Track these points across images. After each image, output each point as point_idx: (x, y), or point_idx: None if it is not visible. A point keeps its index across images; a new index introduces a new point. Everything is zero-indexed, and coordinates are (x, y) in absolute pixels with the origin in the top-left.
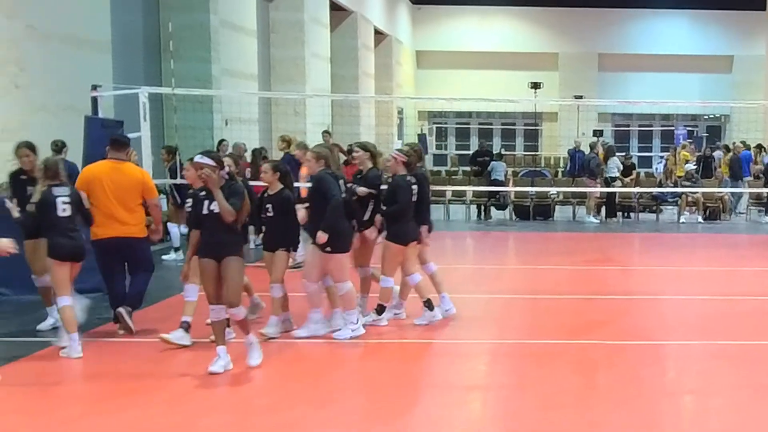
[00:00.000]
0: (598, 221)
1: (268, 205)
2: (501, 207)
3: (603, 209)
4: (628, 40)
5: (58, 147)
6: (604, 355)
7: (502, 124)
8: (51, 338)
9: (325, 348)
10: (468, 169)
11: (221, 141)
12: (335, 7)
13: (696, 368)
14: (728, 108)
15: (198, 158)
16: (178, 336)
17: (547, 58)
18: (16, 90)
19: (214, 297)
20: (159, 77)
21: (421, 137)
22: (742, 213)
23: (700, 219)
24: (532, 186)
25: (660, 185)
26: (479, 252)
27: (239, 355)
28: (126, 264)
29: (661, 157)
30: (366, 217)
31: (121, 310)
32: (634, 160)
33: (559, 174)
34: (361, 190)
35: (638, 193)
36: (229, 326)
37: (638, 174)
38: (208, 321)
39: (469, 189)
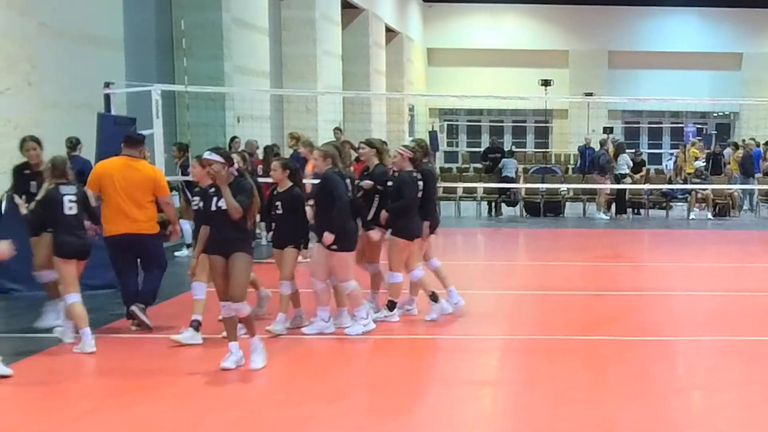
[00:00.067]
0: (608, 218)
1: (278, 203)
2: (511, 204)
3: (613, 206)
4: (638, 37)
5: (73, 144)
6: (614, 351)
7: (513, 121)
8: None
9: (335, 344)
10: (479, 166)
11: (233, 138)
12: (346, 5)
13: (705, 364)
14: (737, 105)
15: (207, 155)
16: (188, 336)
17: (557, 55)
18: (29, 87)
19: (224, 293)
20: (172, 75)
21: (432, 134)
22: (752, 209)
23: (709, 215)
24: (542, 183)
25: (670, 182)
26: (490, 248)
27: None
28: (139, 261)
29: (671, 154)
30: (371, 213)
31: (133, 308)
32: (644, 157)
33: (570, 171)
34: (366, 183)
35: (648, 189)
36: (240, 322)
37: (648, 171)
38: (220, 317)
39: (480, 186)
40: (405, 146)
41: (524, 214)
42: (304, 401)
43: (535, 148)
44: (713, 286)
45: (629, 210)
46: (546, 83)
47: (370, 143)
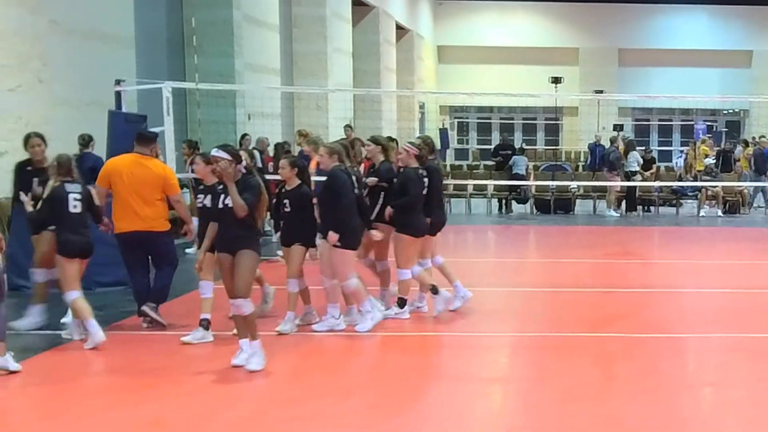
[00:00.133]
0: (619, 215)
1: (286, 201)
2: (522, 201)
3: (623, 203)
4: (647, 35)
5: (85, 141)
6: (624, 348)
7: (523, 119)
8: (65, 334)
9: (345, 341)
10: (489, 163)
11: (244, 135)
12: (357, 3)
13: (714, 361)
14: (747, 103)
15: (214, 152)
16: (199, 336)
17: (567, 53)
18: (40, 85)
19: (232, 291)
20: (182, 72)
21: (443, 132)
22: (761, 207)
23: (719, 213)
24: (552, 180)
25: (680, 179)
26: (500, 245)
27: (263, 347)
28: (150, 258)
29: (681, 152)
30: (376, 210)
31: (145, 308)
32: (654, 155)
33: (580, 168)
34: (371, 180)
35: (658, 187)
36: (242, 321)
37: (658, 168)
38: (231, 315)
39: (491, 183)
40: (411, 143)
41: (534, 211)
42: (313, 398)
43: (545, 145)
44: (723, 283)
45: (639, 207)
46: (556, 80)
47: (375, 140)
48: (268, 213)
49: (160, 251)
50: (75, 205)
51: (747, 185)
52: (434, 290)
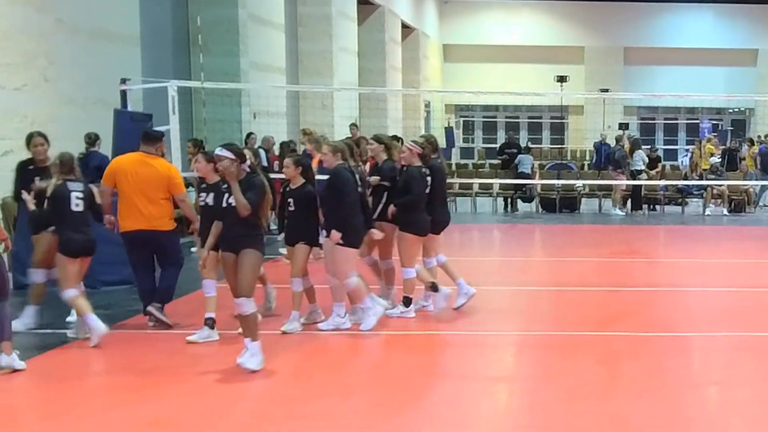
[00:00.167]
0: (624, 213)
1: (290, 200)
2: (527, 199)
3: (629, 202)
4: (653, 33)
5: (92, 139)
6: (629, 347)
7: (529, 118)
8: (71, 333)
9: (350, 340)
10: (495, 161)
11: (249, 134)
12: (362, 1)
13: (720, 360)
14: (753, 101)
15: (218, 151)
16: (205, 335)
17: (572, 51)
18: (46, 83)
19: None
20: (188, 71)
21: (448, 130)
22: (767, 206)
23: (725, 211)
24: (558, 179)
25: (685, 178)
26: (506, 244)
27: (268, 346)
28: (155, 257)
29: (687, 150)
30: (379, 209)
31: (150, 308)
32: (660, 153)
33: (585, 167)
34: (373, 179)
35: (664, 185)
36: (242, 321)
37: (664, 167)
38: (235, 314)
39: (496, 182)
40: (414, 142)
41: (540, 210)
42: (317, 397)
43: (550, 144)
44: (728, 282)
45: (645, 206)
46: (562, 79)
47: (378, 139)
48: (272, 212)
49: (164, 250)
50: (77, 204)
51: (752, 184)
52: (434, 287)
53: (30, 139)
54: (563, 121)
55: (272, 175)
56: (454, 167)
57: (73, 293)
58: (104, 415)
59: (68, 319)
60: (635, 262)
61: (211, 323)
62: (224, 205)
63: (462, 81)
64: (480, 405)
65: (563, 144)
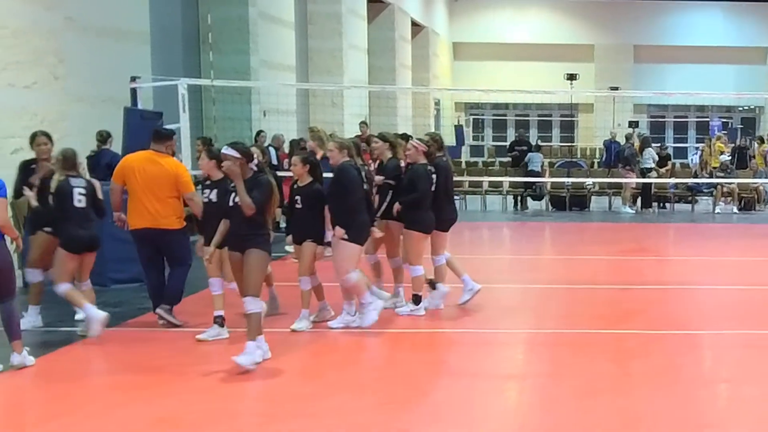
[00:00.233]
0: (634, 212)
1: (297, 198)
2: (537, 198)
3: (639, 200)
4: (663, 31)
5: (104, 137)
6: (640, 344)
7: (539, 116)
8: (80, 331)
9: (358, 338)
10: (505, 160)
11: (259, 132)
12: None
13: (731, 357)
14: (763, 99)
15: (224, 150)
16: (214, 333)
17: (582, 49)
18: (55, 81)
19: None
20: (198, 69)
21: (458, 129)
22: None
23: (735, 209)
24: (568, 177)
25: (695, 176)
26: (516, 242)
27: (276, 344)
28: (165, 256)
29: (696, 148)
30: (384, 207)
31: (159, 311)
32: (670, 151)
33: (595, 165)
34: (378, 178)
35: (673, 183)
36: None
37: (673, 165)
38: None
39: (506, 180)
40: (419, 139)
41: (550, 208)
42: (325, 395)
43: (560, 142)
44: (739, 280)
45: (655, 204)
46: (571, 77)
47: (383, 137)
48: (279, 210)
49: (172, 249)
50: (80, 200)
51: (762, 182)
52: (432, 284)
53: (34, 138)
54: (573, 119)
55: (281, 173)
56: (464, 165)
57: (66, 287)
58: (114, 412)
59: (77, 317)
60: (645, 260)
61: (220, 321)
62: (231, 204)
63: (472, 79)
64: (490, 402)
65: (573, 142)
